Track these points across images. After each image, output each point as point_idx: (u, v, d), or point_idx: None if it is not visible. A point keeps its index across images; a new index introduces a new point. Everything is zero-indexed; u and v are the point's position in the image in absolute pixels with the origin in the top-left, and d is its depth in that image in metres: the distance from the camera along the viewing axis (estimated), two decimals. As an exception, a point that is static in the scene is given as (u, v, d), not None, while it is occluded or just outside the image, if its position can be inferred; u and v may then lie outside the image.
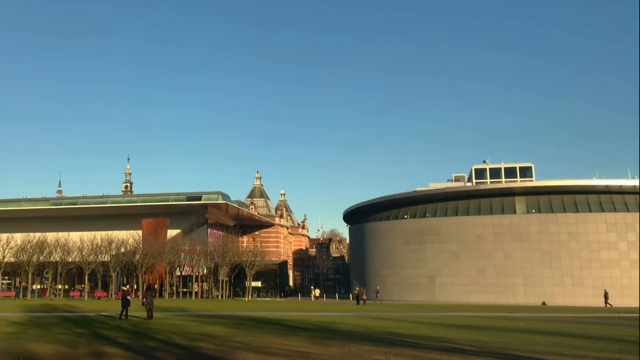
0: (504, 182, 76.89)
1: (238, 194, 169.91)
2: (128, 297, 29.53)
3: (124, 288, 29.69)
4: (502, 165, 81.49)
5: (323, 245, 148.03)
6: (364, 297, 59.01)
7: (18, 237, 72.35)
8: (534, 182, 71.75)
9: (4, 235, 71.35)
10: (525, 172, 79.51)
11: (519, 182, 74.09)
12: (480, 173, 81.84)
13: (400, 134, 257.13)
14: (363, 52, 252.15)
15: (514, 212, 68.32)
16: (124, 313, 28.67)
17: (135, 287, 73.63)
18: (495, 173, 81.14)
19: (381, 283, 73.22)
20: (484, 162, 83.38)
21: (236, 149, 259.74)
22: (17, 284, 76.90)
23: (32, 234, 73.53)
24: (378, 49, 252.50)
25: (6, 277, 76.67)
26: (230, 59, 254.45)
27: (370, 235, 79.59)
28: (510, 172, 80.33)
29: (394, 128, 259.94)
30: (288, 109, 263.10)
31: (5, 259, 68.46)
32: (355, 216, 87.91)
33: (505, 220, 68.08)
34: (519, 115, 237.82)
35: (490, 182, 78.93)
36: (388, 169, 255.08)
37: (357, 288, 65.28)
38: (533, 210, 67.39)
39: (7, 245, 68.78)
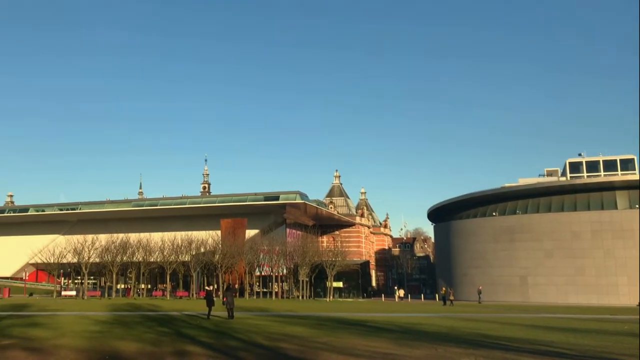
0: (602, 176, 72.94)
1: (316, 193, 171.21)
2: (213, 297, 30.24)
3: (207, 288, 30.43)
4: (601, 158, 77.30)
5: (407, 244, 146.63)
6: (451, 297, 57.70)
7: (102, 238, 76.67)
8: (638, 175, 67.47)
9: (89, 237, 75.91)
10: (627, 164, 74.98)
11: (620, 176, 69.86)
12: (575, 167, 78.16)
13: (486, 127, 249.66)
14: (441, 40, 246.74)
15: (615, 207, 64.85)
16: (209, 313, 29.32)
17: (215, 287, 75.96)
18: (592, 166, 77.15)
19: (469, 283, 71.44)
20: (580, 155, 79.71)
21: (314, 148, 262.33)
22: (102, 284, 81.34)
23: (115, 235, 77.69)
24: (458, 35, 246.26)
25: (92, 277, 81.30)
26: (308, 55, 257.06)
27: (456, 233, 77.82)
28: (610, 165, 76.07)
29: (480, 121, 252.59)
30: (369, 103, 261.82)
31: (91, 260, 72.77)
32: (440, 214, 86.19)
33: (606, 217, 64.62)
34: (616, 103, 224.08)
35: (587, 176, 75.11)
36: (474, 164, 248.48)
37: (444, 288, 64.07)
38: (637, 206, 63.51)
39: (92, 246, 73.22)
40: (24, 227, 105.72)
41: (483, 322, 30.16)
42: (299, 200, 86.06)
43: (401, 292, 79.60)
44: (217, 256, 71.65)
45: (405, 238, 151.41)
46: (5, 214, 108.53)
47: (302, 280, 73.41)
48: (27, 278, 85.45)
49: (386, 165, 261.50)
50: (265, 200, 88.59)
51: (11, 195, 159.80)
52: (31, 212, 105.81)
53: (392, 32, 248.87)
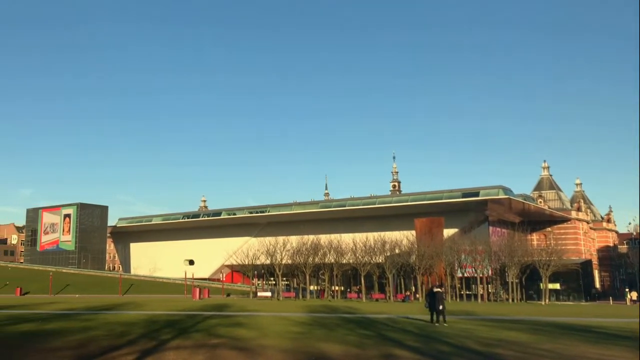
0: None
1: (522, 186, 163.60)
2: (438, 299, 30.06)
3: (438, 290, 30.45)
4: None
5: (637, 240, 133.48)
6: None
7: (293, 240, 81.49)
8: None
9: (280, 239, 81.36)
10: None
11: None
12: None
13: None
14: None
15: None
16: (435, 317, 29.13)
17: (413, 290, 76.57)
18: None
19: None
20: None
21: (515, 137, 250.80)
22: (295, 285, 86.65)
23: (305, 237, 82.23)
24: None
25: (284, 279, 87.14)
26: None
27: None
28: None
29: None
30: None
31: (283, 261, 77.91)
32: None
33: None
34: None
35: None
36: None
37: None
38: None
39: (283, 248, 78.38)
40: (218, 230, 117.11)
41: None
42: (502, 196, 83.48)
43: (634, 295, 73.09)
44: (414, 257, 72.20)
45: (634, 233, 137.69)
46: (201, 218, 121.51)
47: (511, 282, 71.03)
48: (224, 279, 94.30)
49: (605, 154, 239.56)
50: (463, 197, 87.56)
51: (204, 200, 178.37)
52: (224, 216, 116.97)
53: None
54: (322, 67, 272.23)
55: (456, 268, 74.21)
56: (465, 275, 75.63)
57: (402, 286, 78.44)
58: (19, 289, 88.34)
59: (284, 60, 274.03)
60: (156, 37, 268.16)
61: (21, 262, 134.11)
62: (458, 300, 71.01)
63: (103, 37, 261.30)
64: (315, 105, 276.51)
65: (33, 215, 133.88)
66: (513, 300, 70.47)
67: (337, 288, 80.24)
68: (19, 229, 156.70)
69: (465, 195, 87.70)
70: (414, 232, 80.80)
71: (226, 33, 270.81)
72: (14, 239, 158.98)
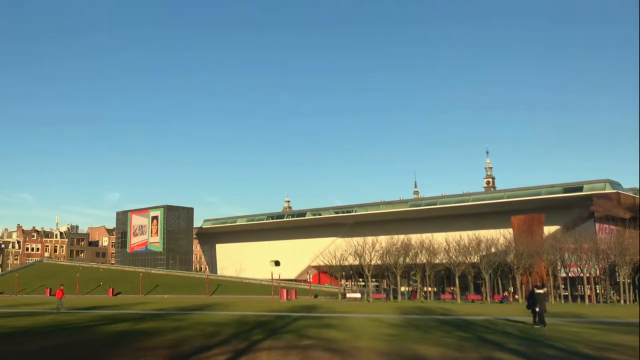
0: None
1: (632, 180, 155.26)
2: (538, 300, 29.33)
3: (539, 291, 29.76)
4: None
5: None
6: None
7: (382, 240, 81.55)
8: None
9: (369, 239, 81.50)
10: None
11: None
12: None
13: None
14: None
15: None
16: (537, 318, 28.44)
17: (512, 290, 74.78)
18: None
19: None
20: None
21: (619, 129, 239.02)
22: (386, 286, 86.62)
23: (395, 237, 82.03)
24: None
25: (374, 280, 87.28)
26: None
27: None
28: None
29: None
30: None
31: (372, 262, 77.96)
32: None
33: None
34: None
35: None
36: None
37: None
38: None
39: (372, 248, 78.48)
40: (303, 230, 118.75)
41: None
42: (609, 190, 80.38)
43: None
44: (511, 256, 70.67)
45: None
46: (285, 219, 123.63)
47: (622, 282, 67.93)
48: (311, 280, 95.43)
49: None
50: (564, 193, 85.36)
51: (288, 201, 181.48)
52: (309, 216, 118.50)
53: None
54: (407, 61, 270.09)
55: (559, 268, 72.01)
56: (570, 275, 73.17)
57: (500, 287, 76.73)
58: (111, 289, 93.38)
59: (374, 55, 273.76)
60: (232, 40, 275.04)
61: (112, 264, 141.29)
62: (562, 301, 68.87)
63: (184, 39, 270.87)
64: (403, 100, 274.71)
65: (122, 218, 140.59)
66: (625, 301, 67.45)
67: (429, 289, 79.63)
68: (109, 232, 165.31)
69: (567, 190, 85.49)
70: (511, 230, 79.15)
71: (301, 34, 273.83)
72: (105, 241, 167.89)
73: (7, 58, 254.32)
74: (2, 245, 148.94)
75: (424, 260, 76.08)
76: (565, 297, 71.76)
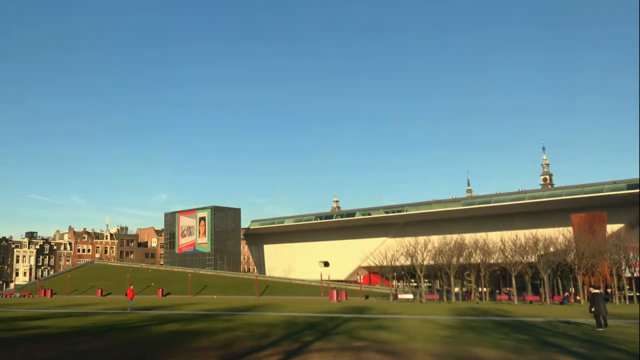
0: None
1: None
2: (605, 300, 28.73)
3: (596, 291, 29.16)
4: None
5: None
6: None
7: (434, 240, 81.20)
8: None
9: (421, 239, 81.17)
10: None
11: None
12: None
13: None
14: None
15: None
16: (599, 321, 27.81)
17: (572, 291, 73.25)
18: None
19: None
20: None
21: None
22: (439, 287, 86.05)
23: (448, 236, 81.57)
24: None
25: (426, 280, 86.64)
26: None
27: None
28: None
29: None
30: None
31: (425, 262, 77.51)
32: None
33: None
34: None
35: None
36: None
37: None
38: None
39: (424, 248, 78.04)
40: (352, 230, 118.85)
41: None
42: (676, 185, 77.89)
43: None
44: (572, 256, 69.32)
45: None
46: (334, 219, 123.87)
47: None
48: (361, 281, 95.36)
49: None
50: (628, 189, 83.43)
51: (337, 201, 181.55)
52: (358, 216, 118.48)
53: None
54: (461, 62, 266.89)
55: (623, 267, 70.21)
56: (635, 275, 71.23)
57: (560, 287, 75.22)
58: (160, 290, 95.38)
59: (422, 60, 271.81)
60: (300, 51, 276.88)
61: (161, 264, 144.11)
62: (627, 302, 66.99)
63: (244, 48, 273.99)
64: (454, 99, 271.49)
65: (170, 219, 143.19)
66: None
67: (484, 289, 78.70)
68: (158, 233, 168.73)
69: (631, 186, 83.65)
70: (570, 228, 77.56)
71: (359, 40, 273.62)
72: (153, 242, 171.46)
73: (69, 68, 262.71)
74: (55, 247, 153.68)
75: (479, 260, 75.31)
76: (631, 297, 69.80)
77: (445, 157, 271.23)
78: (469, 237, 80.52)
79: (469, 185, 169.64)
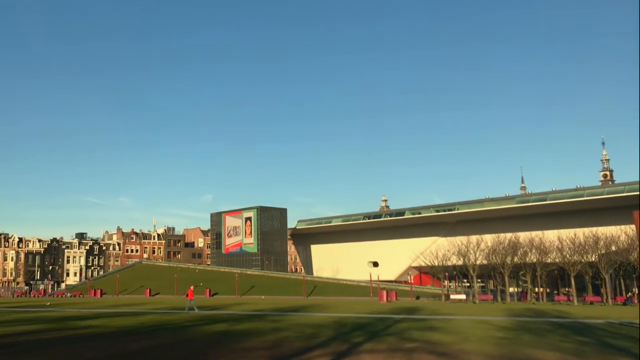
0: None
1: None
2: None
3: None
4: None
5: None
6: None
7: (487, 239, 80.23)
8: None
9: (473, 238, 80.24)
10: None
11: None
12: None
13: None
14: None
15: None
16: None
17: (636, 291, 71.46)
18: None
19: None
20: None
21: None
22: (493, 287, 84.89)
23: (502, 235, 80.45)
24: None
25: (479, 280, 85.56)
26: None
27: None
28: None
29: None
30: None
31: (478, 262, 76.56)
32: None
33: None
34: None
35: None
36: None
37: None
38: None
39: (477, 248, 77.12)
40: (402, 230, 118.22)
41: None
42: None
43: None
44: (635, 255, 67.58)
45: None
46: (383, 219, 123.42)
47: None
48: (412, 281, 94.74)
49: None
50: None
51: (385, 200, 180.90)
52: (407, 215, 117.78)
53: None
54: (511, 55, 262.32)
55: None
56: None
57: (622, 287, 73.32)
58: (208, 290, 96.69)
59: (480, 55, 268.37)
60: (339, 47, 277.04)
61: (208, 264, 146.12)
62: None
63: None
64: (506, 92, 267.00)
65: (217, 219, 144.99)
66: None
67: (541, 290, 77.29)
68: (204, 233, 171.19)
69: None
70: (633, 226, 75.32)
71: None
72: (200, 242, 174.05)
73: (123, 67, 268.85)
74: (104, 247, 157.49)
75: (534, 260, 74.17)
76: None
77: (497, 153, 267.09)
78: (523, 236, 79.54)
79: (522, 182, 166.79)
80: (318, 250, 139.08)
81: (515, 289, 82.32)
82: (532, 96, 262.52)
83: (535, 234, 79.96)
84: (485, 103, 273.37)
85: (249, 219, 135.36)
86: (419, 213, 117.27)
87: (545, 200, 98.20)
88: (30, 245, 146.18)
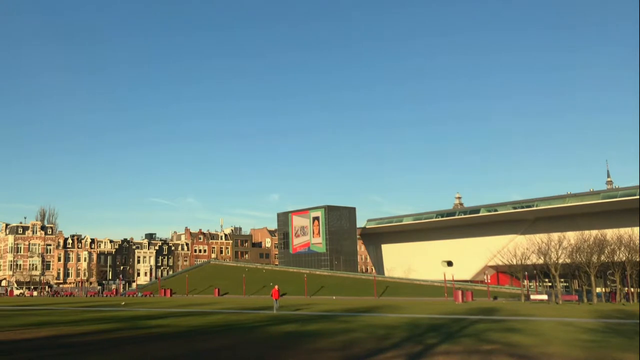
0: None
1: None
2: None
3: None
4: None
5: None
6: None
7: (570, 236, 78.03)
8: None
9: (555, 235, 78.13)
10: None
11: None
12: None
13: None
14: None
15: None
16: None
17: None
18: None
19: None
20: None
21: None
22: (578, 287, 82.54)
23: (586, 232, 78.08)
24: None
25: (562, 280, 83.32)
26: None
27: None
28: None
29: None
30: None
31: (560, 260, 74.47)
32: None
33: None
34: None
35: None
36: None
37: None
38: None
39: (559, 246, 75.00)
40: (477, 228, 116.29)
41: None
42: None
43: None
44: None
45: None
46: (456, 217, 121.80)
47: None
48: (488, 281, 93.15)
49: None
50: None
51: (459, 197, 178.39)
52: (483, 213, 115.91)
53: None
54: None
55: None
56: None
57: None
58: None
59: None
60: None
61: (276, 265, 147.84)
62: None
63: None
64: (592, 79, 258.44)
65: (284, 219, 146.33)
66: None
67: (631, 290, 74.51)
68: (271, 233, 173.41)
69: None
70: None
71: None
72: (267, 242, 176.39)
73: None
74: (172, 248, 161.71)
75: (623, 258, 71.52)
76: None
77: (579, 146, 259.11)
78: (610, 233, 76.66)
79: (608, 176, 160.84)
80: (389, 250, 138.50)
81: (603, 289, 79.60)
82: (615, 78, 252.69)
83: (624, 231, 76.91)
84: (559, 88, 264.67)
85: (316, 218, 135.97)
86: (495, 210, 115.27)
87: (634, 195, 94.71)
88: (102, 246, 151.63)
